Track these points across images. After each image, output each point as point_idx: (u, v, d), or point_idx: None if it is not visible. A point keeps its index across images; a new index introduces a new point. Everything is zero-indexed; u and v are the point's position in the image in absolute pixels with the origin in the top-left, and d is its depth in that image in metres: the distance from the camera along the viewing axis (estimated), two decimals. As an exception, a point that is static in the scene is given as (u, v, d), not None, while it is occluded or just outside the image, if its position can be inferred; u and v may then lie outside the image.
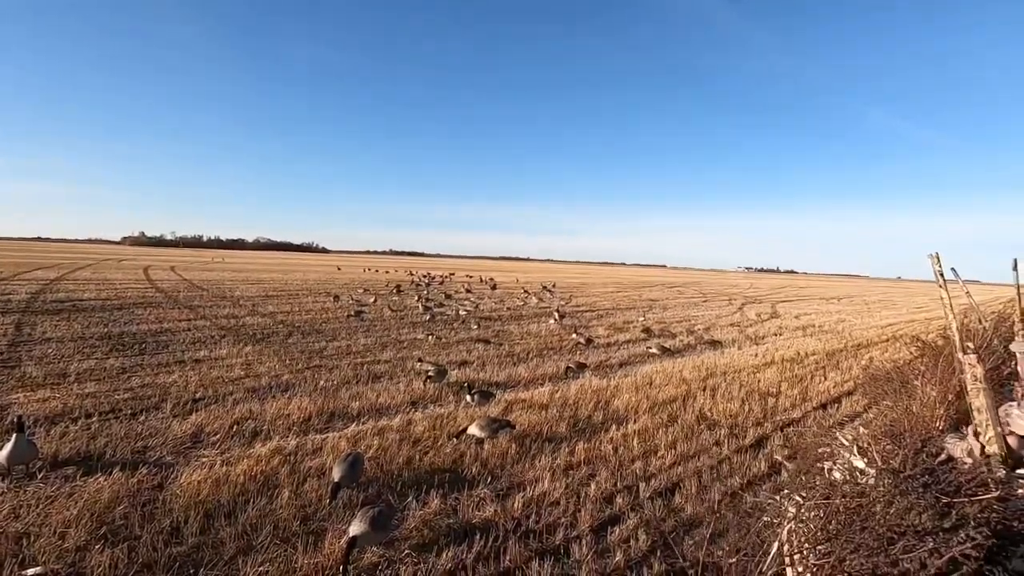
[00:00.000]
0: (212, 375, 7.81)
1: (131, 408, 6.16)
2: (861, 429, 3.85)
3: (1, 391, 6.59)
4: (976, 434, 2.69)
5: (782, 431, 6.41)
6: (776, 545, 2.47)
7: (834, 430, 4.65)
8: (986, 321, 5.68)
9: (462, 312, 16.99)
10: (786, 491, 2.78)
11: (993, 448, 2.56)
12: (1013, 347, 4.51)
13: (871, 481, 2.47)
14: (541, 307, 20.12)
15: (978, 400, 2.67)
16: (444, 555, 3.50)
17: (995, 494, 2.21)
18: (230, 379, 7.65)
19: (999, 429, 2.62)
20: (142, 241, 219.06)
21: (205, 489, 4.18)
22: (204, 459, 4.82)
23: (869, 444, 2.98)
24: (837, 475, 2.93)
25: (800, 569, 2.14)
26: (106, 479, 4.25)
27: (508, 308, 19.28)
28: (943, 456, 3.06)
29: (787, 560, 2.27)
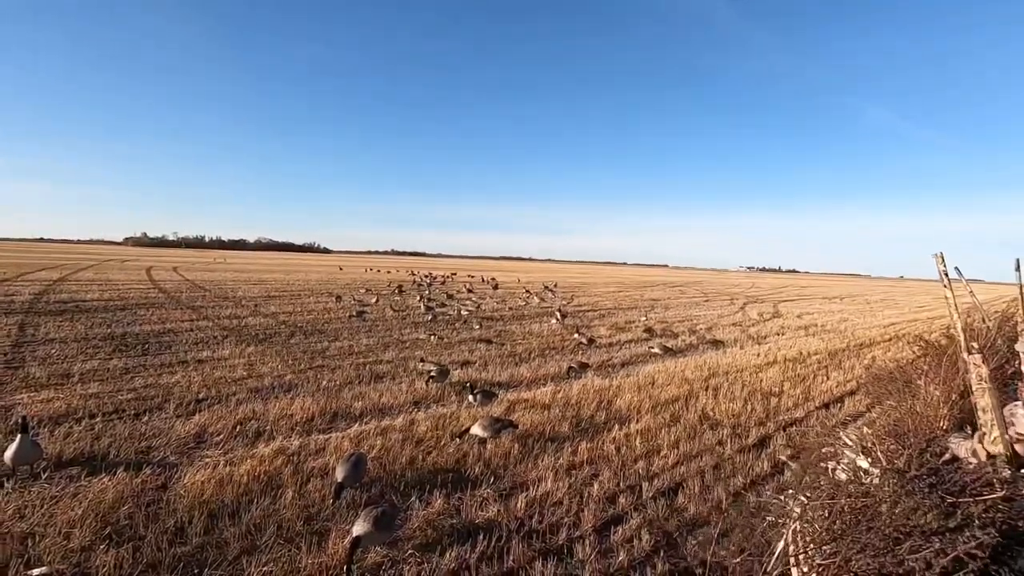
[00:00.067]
0: (215, 375, 7.83)
1: (135, 408, 6.18)
2: (865, 429, 3.84)
3: (5, 392, 6.62)
4: (981, 434, 2.69)
5: (785, 431, 6.40)
6: (781, 545, 2.47)
7: (837, 430, 4.64)
8: (990, 320, 5.66)
9: (464, 312, 17.00)
10: (791, 491, 2.77)
11: (998, 448, 2.55)
12: (1018, 347, 4.50)
13: (875, 481, 2.47)
14: (543, 307, 20.12)
15: (983, 400, 2.66)
16: (448, 555, 3.50)
17: (1000, 494, 2.20)
18: (233, 379, 7.67)
19: (1004, 429, 2.62)
20: (144, 242, 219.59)
21: (209, 489, 4.19)
22: (208, 459, 4.83)
23: (873, 444, 2.98)
24: (841, 475, 2.93)
25: (805, 569, 2.14)
26: (110, 479, 4.26)
27: (510, 308, 19.29)
28: (947, 456, 3.06)
29: (792, 560, 2.27)
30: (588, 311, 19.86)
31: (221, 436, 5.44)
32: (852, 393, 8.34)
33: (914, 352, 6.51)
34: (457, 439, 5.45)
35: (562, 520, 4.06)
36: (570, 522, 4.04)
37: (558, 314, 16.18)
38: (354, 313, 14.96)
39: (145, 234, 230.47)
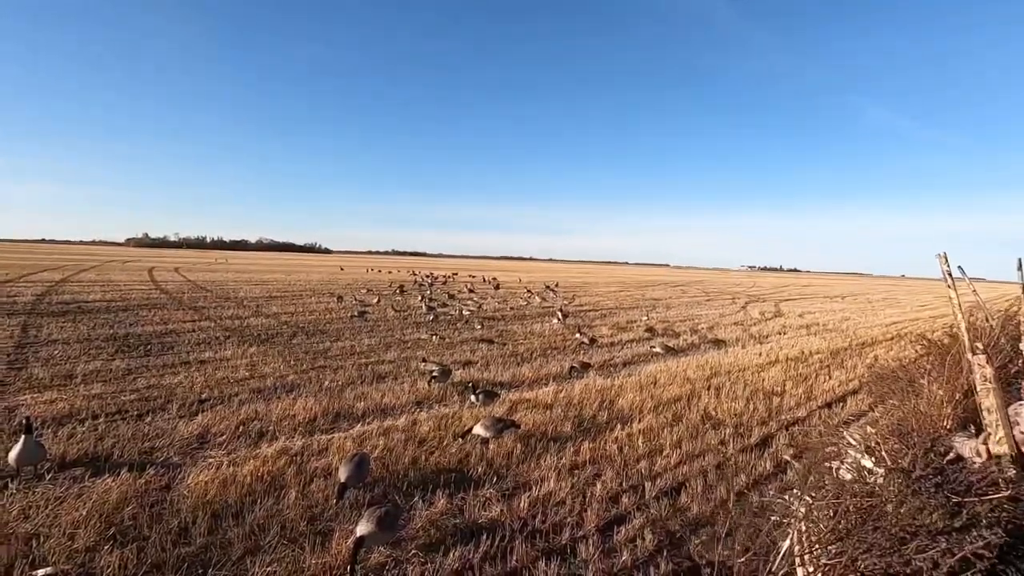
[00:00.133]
0: (217, 376, 7.84)
1: (137, 409, 6.19)
2: (868, 428, 3.83)
3: (9, 393, 6.64)
4: (986, 435, 2.68)
5: (787, 430, 6.40)
6: (786, 544, 2.47)
7: (841, 429, 4.63)
8: (993, 319, 5.65)
9: (465, 312, 17.00)
10: (795, 490, 2.77)
11: (1003, 448, 2.54)
12: (1022, 346, 4.49)
13: (880, 480, 2.46)
14: (544, 307, 20.12)
15: (988, 400, 2.65)
16: (451, 555, 3.50)
17: (1006, 493, 2.20)
18: (235, 380, 7.68)
19: (1009, 429, 2.61)
20: (146, 242, 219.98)
21: (212, 490, 4.19)
22: (211, 460, 4.84)
23: (877, 443, 2.97)
24: (845, 474, 2.92)
25: (811, 569, 2.14)
26: (114, 480, 4.28)
27: (511, 308, 19.29)
28: (951, 455, 3.05)
29: (797, 560, 2.27)
30: (589, 311, 19.86)
31: (224, 436, 5.45)
32: (854, 392, 8.33)
33: (917, 351, 6.49)
34: (460, 439, 5.46)
35: (565, 520, 4.06)
36: (573, 522, 4.04)
37: (559, 314, 16.17)
38: (356, 313, 14.98)
39: (146, 235, 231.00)
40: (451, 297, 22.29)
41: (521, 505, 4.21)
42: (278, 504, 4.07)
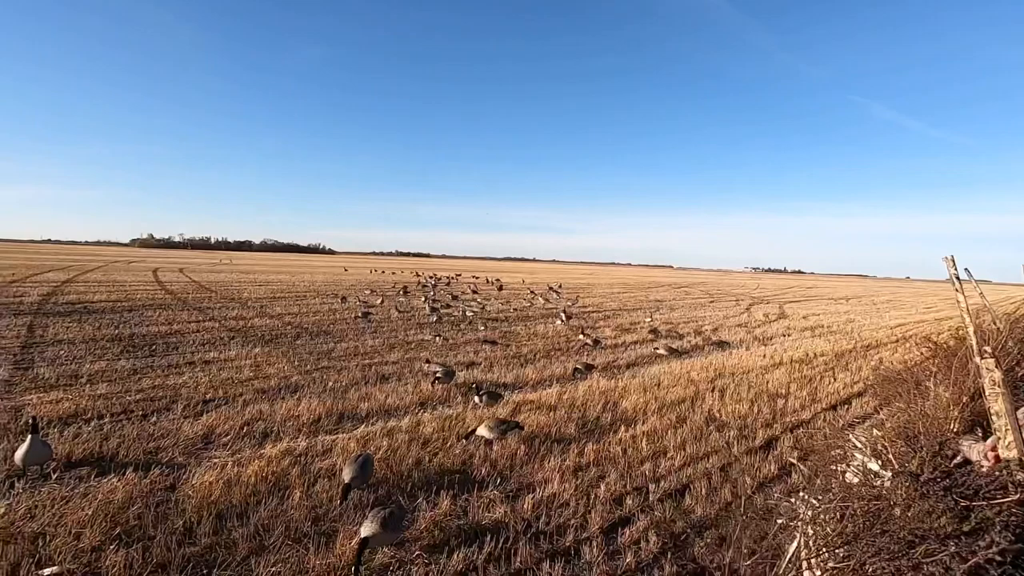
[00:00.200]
0: (222, 376, 7.87)
1: (143, 409, 6.22)
2: (874, 431, 3.81)
3: (15, 392, 6.68)
4: (996, 439, 2.66)
5: (792, 432, 6.37)
6: (792, 547, 2.45)
7: (846, 431, 4.61)
8: (1000, 322, 5.61)
9: (469, 313, 17.01)
10: (801, 493, 2.75)
11: (1013, 453, 2.52)
12: (1029, 348, 4.45)
13: (887, 484, 2.45)
14: (547, 308, 20.12)
15: (997, 404, 2.63)
16: (455, 556, 3.50)
17: (1015, 497, 2.18)
18: (240, 380, 7.71)
19: (1019, 433, 2.59)
20: (151, 243, 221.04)
21: (217, 490, 4.20)
22: (216, 460, 4.86)
23: (884, 446, 2.95)
24: (851, 477, 2.91)
25: (818, 572, 2.12)
26: (119, 480, 4.29)
27: (515, 309, 19.29)
28: (959, 459, 3.03)
29: (804, 564, 2.25)
30: (593, 312, 19.83)
31: (228, 437, 5.47)
32: (860, 395, 8.28)
33: (922, 353, 6.45)
34: (463, 440, 5.46)
35: (569, 521, 4.05)
36: (577, 523, 4.03)
37: (563, 315, 16.16)
38: (359, 314, 15.01)
39: (151, 235, 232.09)
40: (454, 298, 22.30)
41: (525, 506, 4.21)
42: (282, 504, 4.07)
